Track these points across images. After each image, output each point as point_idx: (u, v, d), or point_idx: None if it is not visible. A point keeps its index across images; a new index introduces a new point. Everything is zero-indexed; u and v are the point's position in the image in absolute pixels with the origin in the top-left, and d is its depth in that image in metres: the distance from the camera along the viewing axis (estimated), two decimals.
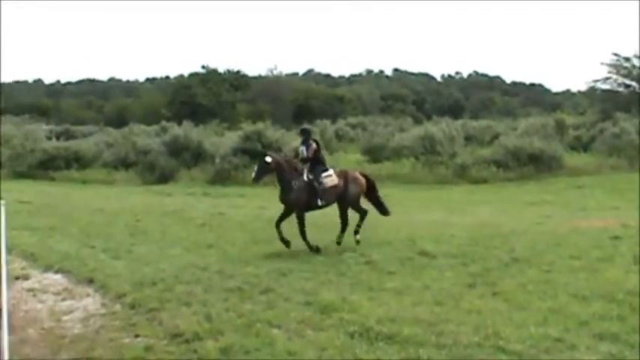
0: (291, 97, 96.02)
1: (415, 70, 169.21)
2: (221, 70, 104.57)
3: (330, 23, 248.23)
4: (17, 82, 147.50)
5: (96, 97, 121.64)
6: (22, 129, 55.86)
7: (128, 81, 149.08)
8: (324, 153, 18.31)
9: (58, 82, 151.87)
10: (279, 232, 16.38)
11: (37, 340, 11.27)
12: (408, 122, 69.37)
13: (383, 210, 17.79)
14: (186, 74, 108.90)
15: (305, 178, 16.38)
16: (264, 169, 16.32)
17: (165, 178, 37.19)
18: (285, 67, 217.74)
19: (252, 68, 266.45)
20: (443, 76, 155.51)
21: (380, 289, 12.82)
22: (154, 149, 41.17)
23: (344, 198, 16.91)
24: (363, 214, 17.20)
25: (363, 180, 17.26)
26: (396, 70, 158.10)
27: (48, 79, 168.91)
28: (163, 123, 54.01)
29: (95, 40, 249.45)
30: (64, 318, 12.26)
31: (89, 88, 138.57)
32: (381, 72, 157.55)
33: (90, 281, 14.13)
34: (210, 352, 9.78)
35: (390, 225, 19.65)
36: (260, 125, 42.79)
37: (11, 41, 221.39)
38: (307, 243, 16.38)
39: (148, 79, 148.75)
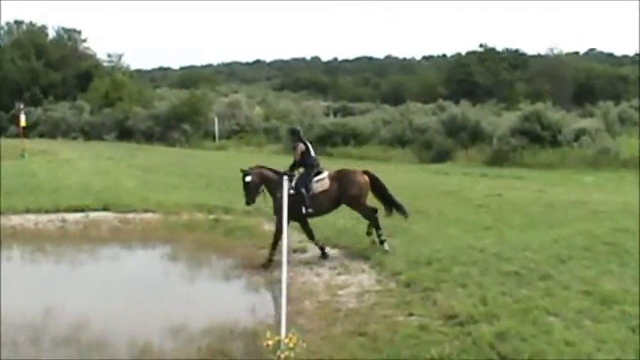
0: (572, 76, 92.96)
1: None
2: (499, 48, 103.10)
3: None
4: (295, 59, 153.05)
5: (373, 74, 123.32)
6: (300, 105, 57.70)
7: (405, 59, 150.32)
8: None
9: (335, 59, 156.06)
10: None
11: (312, 312, 11.47)
12: None
13: (400, 210, 15.63)
14: (463, 52, 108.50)
15: (292, 185, 14.79)
16: (251, 188, 14.97)
17: (441, 157, 36.95)
18: (566, 46, 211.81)
19: (531, 47, 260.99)
20: None
21: None
22: (431, 127, 40.99)
23: (343, 201, 15.28)
24: (370, 214, 15.26)
25: (364, 179, 15.30)
26: None
27: (325, 57, 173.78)
28: (440, 101, 53.81)
29: (373, 18, 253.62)
30: (340, 292, 12.43)
31: (366, 65, 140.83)
32: None
33: (366, 258, 14.28)
34: (485, 336, 9.55)
35: None
36: (539, 106, 41.42)
37: (291, 19, 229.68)
38: (271, 254, 14.54)
39: (424, 57, 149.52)
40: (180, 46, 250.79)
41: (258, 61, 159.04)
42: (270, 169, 15.25)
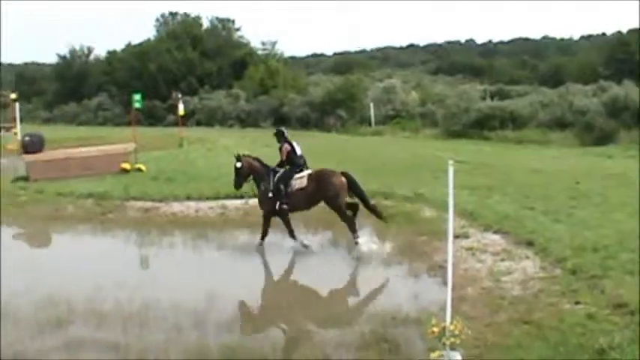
0: None
1: None
2: None
3: None
4: (450, 43, 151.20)
5: (529, 55, 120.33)
6: (455, 89, 56.94)
7: (562, 39, 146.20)
8: None
9: (490, 41, 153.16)
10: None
11: (475, 299, 11.37)
12: None
13: (375, 214, 15.98)
14: (624, 31, 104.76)
15: (274, 180, 15.87)
16: (240, 174, 16.18)
17: (603, 139, 35.66)
18: None
19: None
20: None
21: None
22: (592, 109, 39.72)
23: (323, 200, 15.77)
24: (345, 217, 15.58)
25: (340, 181, 15.65)
26: None
27: (480, 39, 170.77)
28: (601, 82, 52.08)
29: None
30: (503, 279, 12.24)
31: (522, 46, 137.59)
32: None
33: (529, 243, 13.95)
34: None
35: None
36: None
37: (444, 1, 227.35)
38: (261, 241, 15.98)
39: (583, 37, 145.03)
40: (334, 32, 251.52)
41: (411, 45, 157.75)
42: (259, 162, 16.27)
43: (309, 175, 15.84)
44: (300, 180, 15.79)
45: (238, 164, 16.09)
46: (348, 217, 15.58)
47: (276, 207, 15.79)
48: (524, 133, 39.93)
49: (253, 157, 16.46)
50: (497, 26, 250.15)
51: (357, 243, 15.23)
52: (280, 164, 16.15)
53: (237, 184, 16.36)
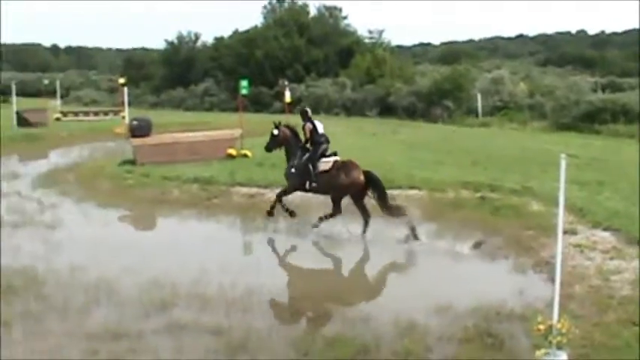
0: None
1: None
2: None
3: None
4: (560, 33, 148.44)
5: None
6: (565, 80, 55.93)
7: None
8: None
9: (603, 32, 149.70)
10: (281, 205, 17.01)
11: (583, 298, 11.10)
12: None
13: (395, 213, 16.02)
14: None
15: (304, 158, 16.63)
16: (274, 141, 17.24)
17: None
18: None
19: None
20: None
21: None
22: None
23: (330, 185, 16.36)
24: (335, 209, 16.40)
25: (357, 176, 16.13)
26: None
27: (592, 30, 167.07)
28: None
29: None
30: (612, 278, 11.89)
31: (636, 38, 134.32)
32: None
33: None
34: None
35: None
36: None
37: None
38: (283, 208, 16.96)
39: None
40: (441, 22, 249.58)
41: (520, 36, 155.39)
42: (295, 136, 17.05)
43: (335, 162, 16.49)
44: (326, 163, 16.48)
45: (275, 131, 17.16)
46: (337, 210, 16.39)
47: (306, 186, 16.61)
48: (637, 128, 38.88)
49: (292, 129, 17.24)
50: (611, 17, 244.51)
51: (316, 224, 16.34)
52: (305, 142, 16.87)
53: (268, 148, 17.54)
